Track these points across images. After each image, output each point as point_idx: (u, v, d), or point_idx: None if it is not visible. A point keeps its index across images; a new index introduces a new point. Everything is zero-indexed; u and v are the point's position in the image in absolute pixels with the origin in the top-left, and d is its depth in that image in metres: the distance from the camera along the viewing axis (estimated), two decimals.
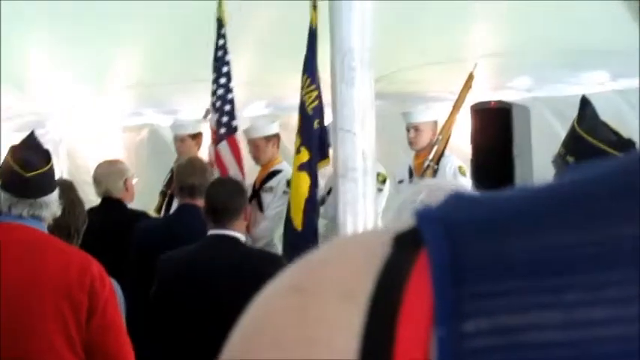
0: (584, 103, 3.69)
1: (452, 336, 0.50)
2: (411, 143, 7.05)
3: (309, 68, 6.27)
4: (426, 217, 0.55)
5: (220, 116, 6.97)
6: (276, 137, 7.34)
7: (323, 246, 0.60)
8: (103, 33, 7.41)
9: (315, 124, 6.28)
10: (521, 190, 0.56)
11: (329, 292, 0.54)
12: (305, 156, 6.19)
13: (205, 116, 7.92)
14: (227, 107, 6.96)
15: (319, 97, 6.26)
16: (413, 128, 7.01)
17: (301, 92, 6.30)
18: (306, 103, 6.27)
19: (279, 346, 0.54)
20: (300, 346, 0.53)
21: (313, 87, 6.24)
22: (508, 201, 0.56)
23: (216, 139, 7.00)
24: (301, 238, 6.09)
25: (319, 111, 6.30)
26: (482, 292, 0.50)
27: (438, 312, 0.50)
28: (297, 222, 6.15)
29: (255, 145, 7.24)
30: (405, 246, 0.54)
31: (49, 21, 7.18)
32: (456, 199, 0.57)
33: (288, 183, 6.86)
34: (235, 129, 7.01)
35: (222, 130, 6.97)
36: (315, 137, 6.25)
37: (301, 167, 6.19)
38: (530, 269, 0.51)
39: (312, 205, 6.15)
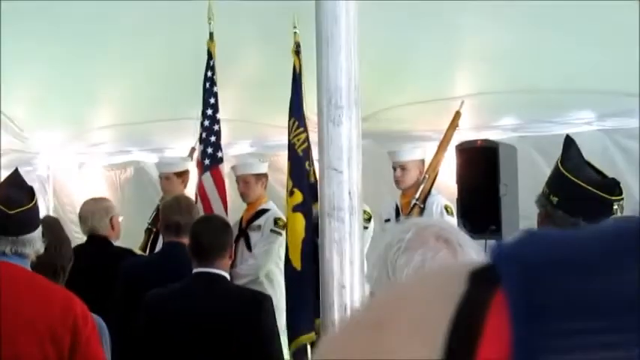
0: (568, 142, 3.68)
1: None
2: (397, 182, 7.04)
3: (296, 111, 6.32)
4: (501, 254, 0.56)
5: (205, 147, 6.96)
6: (265, 177, 7.40)
7: (402, 282, 0.61)
8: (90, 71, 7.42)
9: (306, 166, 6.31)
10: (593, 230, 0.57)
11: (407, 328, 0.55)
12: (298, 197, 6.22)
13: (191, 154, 7.92)
14: (212, 138, 6.95)
15: (308, 139, 6.30)
16: (399, 167, 7.01)
17: (289, 135, 6.34)
18: (296, 146, 6.30)
19: None
20: None
21: (301, 129, 6.29)
22: (580, 240, 0.56)
23: (201, 170, 7.00)
24: (302, 276, 6.08)
25: (309, 152, 6.34)
26: (558, 330, 0.51)
27: (515, 349, 0.51)
28: (296, 262, 6.17)
29: (245, 182, 7.27)
30: (481, 283, 0.55)
31: (36, 60, 7.19)
32: (530, 237, 0.57)
33: (276, 221, 6.89)
34: (220, 160, 7.00)
35: (207, 161, 6.96)
36: (306, 178, 6.28)
37: (296, 208, 6.23)
38: (606, 308, 0.51)
39: (309, 244, 6.15)
